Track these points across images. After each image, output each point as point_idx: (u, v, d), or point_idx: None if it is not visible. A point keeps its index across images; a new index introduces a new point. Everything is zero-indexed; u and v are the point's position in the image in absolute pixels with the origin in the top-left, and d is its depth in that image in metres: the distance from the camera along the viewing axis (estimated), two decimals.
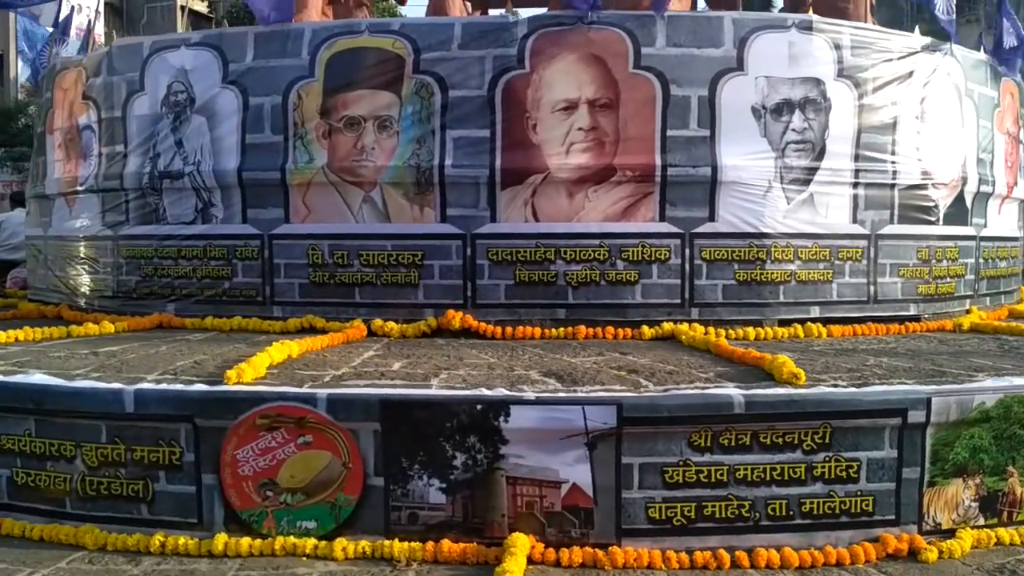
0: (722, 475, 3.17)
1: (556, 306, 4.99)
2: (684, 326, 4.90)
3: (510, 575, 2.85)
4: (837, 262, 5.31)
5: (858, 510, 3.25)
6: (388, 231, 5.06)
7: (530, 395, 3.13)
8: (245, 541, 3.17)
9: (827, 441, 3.21)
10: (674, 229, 4.99)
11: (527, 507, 3.17)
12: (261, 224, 5.24)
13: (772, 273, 5.12)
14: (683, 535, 3.18)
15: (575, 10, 4.92)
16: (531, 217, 4.97)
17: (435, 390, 3.24)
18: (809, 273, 5.22)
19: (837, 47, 5.23)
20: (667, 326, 4.92)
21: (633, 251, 4.97)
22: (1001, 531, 3.32)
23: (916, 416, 3.24)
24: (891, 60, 5.43)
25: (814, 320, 5.18)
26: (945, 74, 5.78)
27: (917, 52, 5.57)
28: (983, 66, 6.26)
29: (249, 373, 3.42)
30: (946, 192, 5.76)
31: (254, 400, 3.19)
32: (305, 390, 3.21)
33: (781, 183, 5.10)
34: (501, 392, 3.16)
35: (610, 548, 3.11)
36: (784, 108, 5.10)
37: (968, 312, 6.04)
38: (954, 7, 5.99)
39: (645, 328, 4.91)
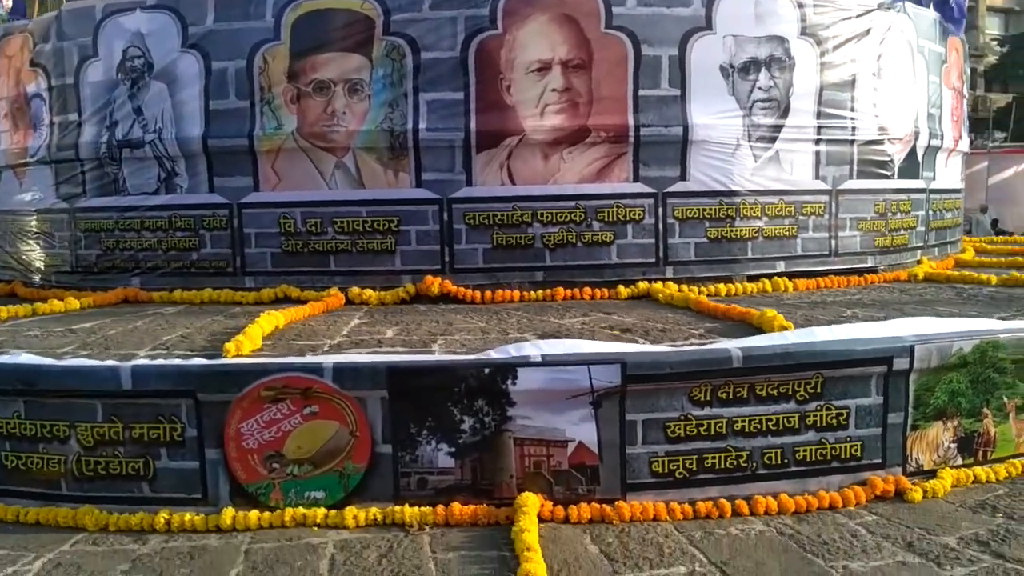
0: (721, 427, 3.27)
1: (534, 268, 5.02)
2: (659, 284, 5.00)
3: (527, 533, 2.90)
4: (801, 217, 5.46)
5: (847, 455, 3.39)
6: (362, 197, 5.01)
7: (536, 357, 3.17)
8: (254, 514, 3.16)
9: (819, 391, 3.33)
10: (647, 189, 5.06)
11: (535, 467, 3.23)
12: (229, 193, 5.14)
13: (741, 230, 5.24)
14: (685, 487, 3.27)
15: None
16: (507, 180, 4.97)
17: (441, 356, 3.25)
18: (775, 229, 5.36)
19: (800, 5, 5.33)
20: (643, 285, 5.02)
21: (608, 212, 5.03)
22: (978, 470, 3.51)
23: (900, 363, 3.38)
24: (850, 18, 5.56)
25: (780, 275, 5.34)
26: (899, 31, 5.93)
27: (873, 10, 5.70)
28: (933, 23, 6.44)
29: (247, 345, 3.39)
30: (900, 147, 5.95)
31: (258, 372, 3.15)
32: (310, 360, 3.20)
33: (749, 141, 5.20)
34: (507, 355, 3.19)
35: (616, 503, 3.19)
36: (751, 67, 5.19)
37: (919, 262, 6.29)
38: None
39: (621, 287, 5.00)
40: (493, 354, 3.21)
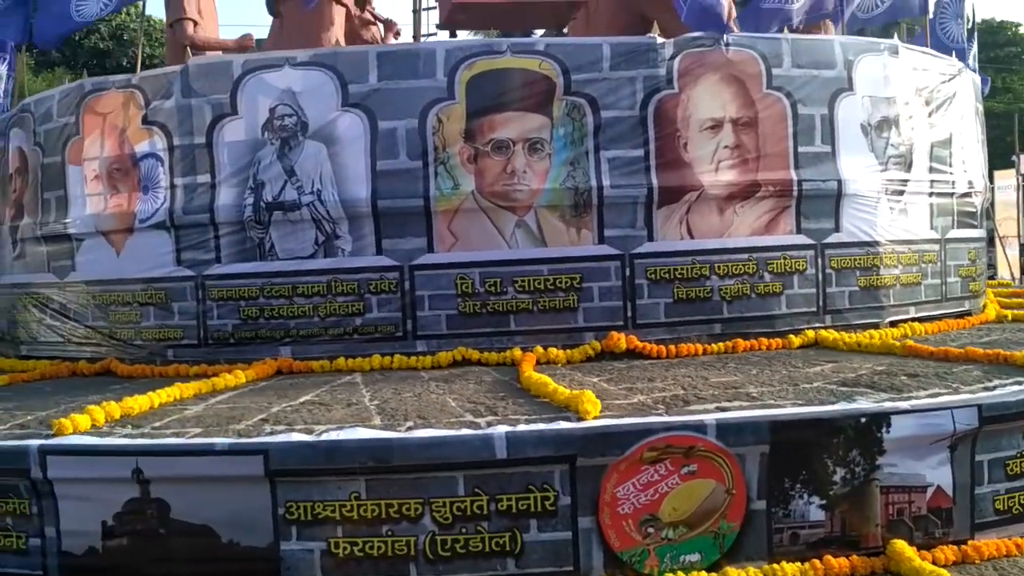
0: None
1: (712, 321, 5.07)
2: (824, 332, 5.16)
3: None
4: (922, 265, 5.79)
5: None
6: (544, 255, 4.94)
7: (905, 404, 3.23)
8: None
9: None
10: (809, 240, 5.24)
11: (897, 514, 3.26)
12: (400, 255, 4.94)
13: (885, 278, 5.50)
14: (1020, 522, 3.39)
15: (713, 32, 5.07)
16: (686, 234, 5.04)
17: (813, 408, 3.24)
18: (907, 277, 5.66)
19: (914, 69, 5.74)
20: (810, 333, 5.16)
21: (776, 263, 5.17)
22: None
23: None
24: (945, 81, 6.03)
25: (911, 320, 5.63)
26: (967, 93, 6.47)
27: (957, 75, 6.20)
28: (977, 83, 7.05)
29: (597, 407, 3.26)
30: (979, 199, 6.45)
31: (640, 432, 3.05)
32: (693, 418, 3.12)
33: (886, 194, 5.50)
34: (877, 404, 3.24)
35: (970, 542, 3.27)
36: (884, 125, 5.52)
37: (985, 306, 6.76)
38: (964, 35, 6.74)
39: (792, 337, 5.12)
40: (863, 403, 3.24)
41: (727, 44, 5.09)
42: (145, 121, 5.31)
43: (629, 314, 4.98)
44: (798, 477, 3.17)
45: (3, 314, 6.66)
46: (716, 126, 5.05)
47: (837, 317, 5.34)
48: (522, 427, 3.08)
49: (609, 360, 4.87)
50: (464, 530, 3.04)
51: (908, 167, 5.66)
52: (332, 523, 3.07)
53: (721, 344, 5.00)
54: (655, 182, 4.95)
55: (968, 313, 6.22)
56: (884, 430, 3.19)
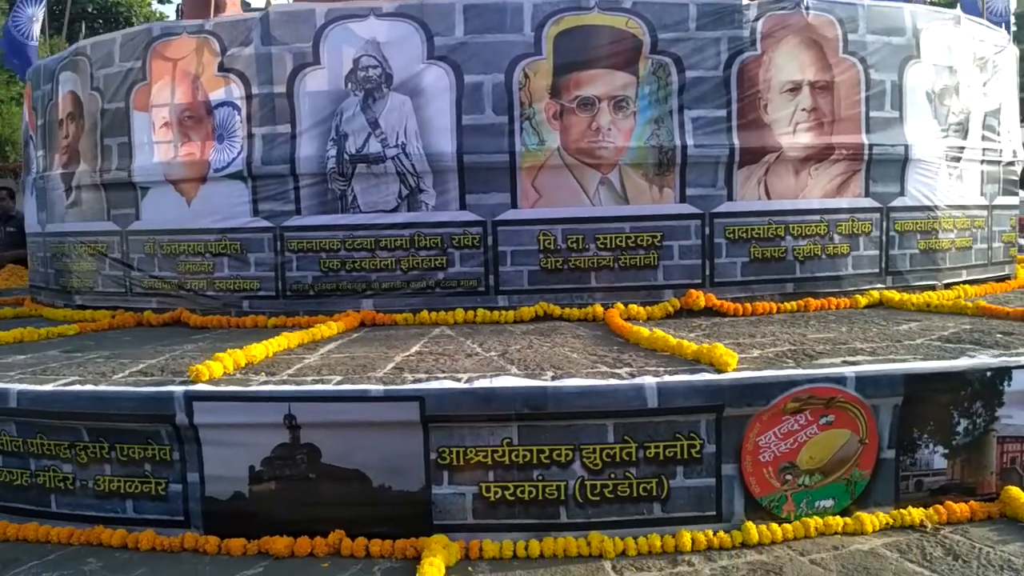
0: None
1: (784, 281, 5.20)
2: (888, 293, 5.33)
3: None
4: (973, 230, 5.97)
5: None
6: (627, 213, 5.01)
7: (1021, 360, 3.39)
8: (776, 527, 3.16)
9: None
10: (875, 204, 5.38)
11: (1010, 463, 3.43)
12: (483, 210, 4.98)
13: (942, 242, 5.67)
14: None
15: None
16: (763, 195, 5.14)
17: (946, 362, 3.39)
18: (961, 241, 5.84)
19: (972, 39, 5.86)
20: (875, 294, 5.32)
21: (845, 225, 5.31)
22: None
23: None
24: (997, 52, 6.16)
25: (963, 283, 5.82)
26: (1012, 65, 6.62)
27: (1006, 47, 6.34)
28: (1018, 56, 7.21)
29: (735, 359, 3.37)
30: (1020, 168, 6.63)
31: (784, 384, 3.17)
32: (834, 370, 3.24)
33: (946, 160, 5.65)
34: (1000, 359, 3.40)
35: None
36: (946, 93, 5.64)
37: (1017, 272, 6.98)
38: (1009, 9, 6.87)
39: (858, 297, 5.28)
40: (984, 358, 3.40)
41: (807, 7, 5.15)
42: (221, 68, 5.26)
43: (707, 272, 5.09)
44: (926, 428, 3.32)
45: (48, 263, 6.59)
46: (795, 89, 5.14)
47: (898, 279, 5.51)
48: (669, 378, 3.18)
49: (687, 317, 4.98)
50: (613, 476, 3.15)
51: (965, 134, 5.81)
52: (484, 468, 3.16)
53: (793, 303, 5.14)
54: (736, 142, 5.03)
55: (1008, 277, 6.44)
56: (1006, 383, 3.35)
